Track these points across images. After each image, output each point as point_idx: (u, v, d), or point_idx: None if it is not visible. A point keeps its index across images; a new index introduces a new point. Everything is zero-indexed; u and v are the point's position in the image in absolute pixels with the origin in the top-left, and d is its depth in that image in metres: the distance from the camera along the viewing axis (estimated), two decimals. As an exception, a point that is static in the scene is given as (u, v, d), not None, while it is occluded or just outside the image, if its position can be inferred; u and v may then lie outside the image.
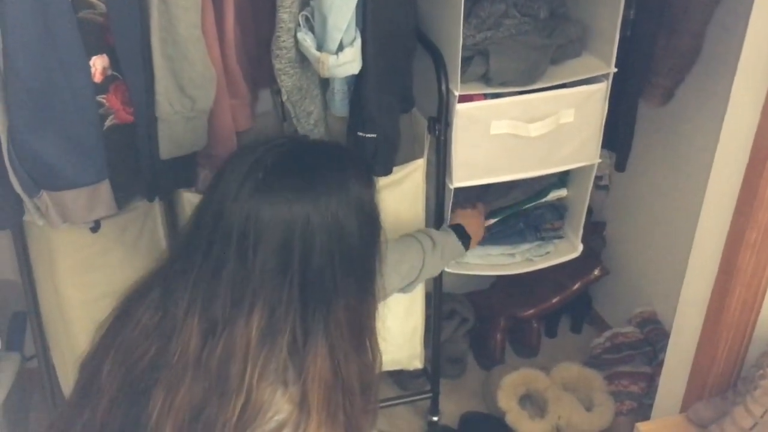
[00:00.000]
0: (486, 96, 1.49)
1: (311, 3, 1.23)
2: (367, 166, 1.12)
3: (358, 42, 1.24)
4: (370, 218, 0.97)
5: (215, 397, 0.88)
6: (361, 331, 0.96)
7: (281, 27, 1.25)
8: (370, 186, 1.00)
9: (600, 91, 1.51)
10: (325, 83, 1.38)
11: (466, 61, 1.45)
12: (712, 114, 1.29)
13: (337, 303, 0.91)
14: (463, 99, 1.45)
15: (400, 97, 1.41)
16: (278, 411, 0.87)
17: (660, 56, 1.41)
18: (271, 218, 0.88)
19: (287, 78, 1.30)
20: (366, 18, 1.25)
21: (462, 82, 1.44)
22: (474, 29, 1.48)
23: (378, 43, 1.26)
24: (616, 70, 1.48)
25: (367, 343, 0.98)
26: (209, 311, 0.89)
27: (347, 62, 1.23)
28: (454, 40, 1.39)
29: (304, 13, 1.24)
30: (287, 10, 1.24)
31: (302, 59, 1.30)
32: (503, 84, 1.46)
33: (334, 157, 0.99)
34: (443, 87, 1.44)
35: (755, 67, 1.14)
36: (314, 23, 1.24)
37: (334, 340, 0.91)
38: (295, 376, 0.89)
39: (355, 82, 1.33)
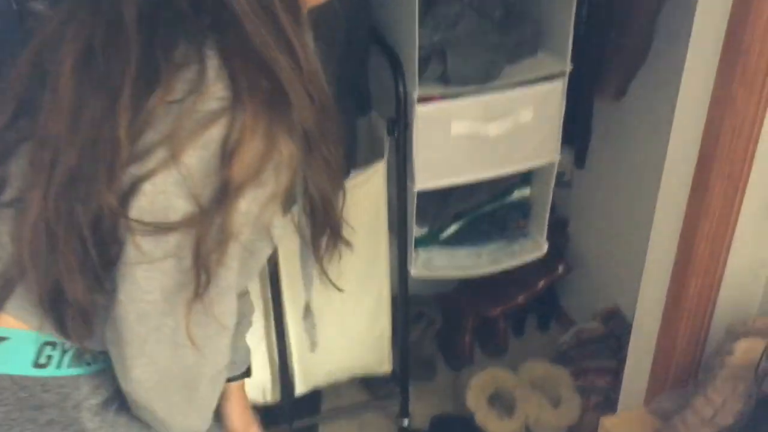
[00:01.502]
0: (445, 97, 1.50)
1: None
2: None
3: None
4: None
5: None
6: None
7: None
8: None
9: (557, 89, 1.53)
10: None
11: (424, 61, 1.45)
12: (664, 109, 1.31)
13: None
14: (422, 100, 1.46)
15: (356, 100, 1.41)
16: (209, 96, 0.72)
17: (611, 54, 1.43)
18: None
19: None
20: (318, 23, 1.24)
21: (420, 83, 1.44)
22: (430, 30, 1.48)
23: (329, 48, 1.26)
24: (571, 68, 1.50)
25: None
26: None
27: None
28: (411, 41, 1.39)
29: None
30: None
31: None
32: (461, 83, 1.47)
33: None
34: (401, 88, 1.45)
35: (702, 64, 1.16)
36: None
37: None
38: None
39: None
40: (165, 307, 0.75)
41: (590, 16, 1.44)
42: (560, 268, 2.00)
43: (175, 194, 0.71)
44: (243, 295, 1.07)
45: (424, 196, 1.58)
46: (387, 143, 1.53)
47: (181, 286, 0.74)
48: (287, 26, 0.74)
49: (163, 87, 0.70)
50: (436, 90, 1.48)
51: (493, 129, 1.51)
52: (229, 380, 1.08)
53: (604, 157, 1.82)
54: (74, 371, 0.83)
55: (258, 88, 0.71)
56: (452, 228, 1.75)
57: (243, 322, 1.09)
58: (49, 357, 0.82)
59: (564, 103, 1.54)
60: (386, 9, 1.48)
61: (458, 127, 1.50)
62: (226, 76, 0.71)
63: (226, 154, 0.70)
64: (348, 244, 0.90)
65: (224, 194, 0.71)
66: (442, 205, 1.73)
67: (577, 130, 1.58)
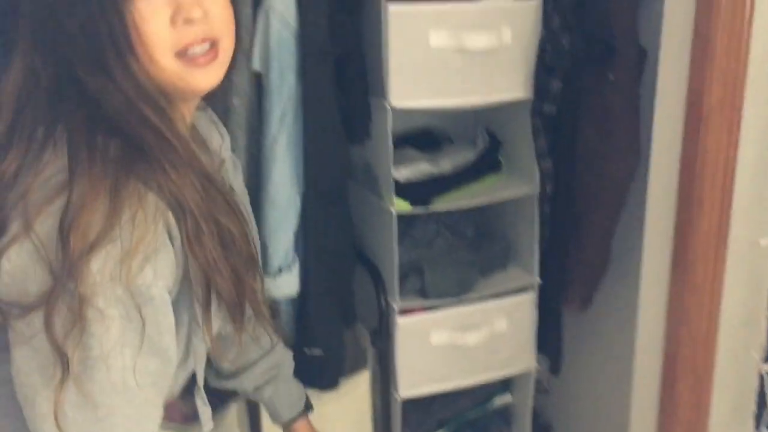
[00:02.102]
0: (424, 309, 1.60)
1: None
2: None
3: (297, 266, 1.36)
4: None
5: None
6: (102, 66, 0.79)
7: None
8: None
9: (528, 300, 1.64)
10: (271, 306, 1.46)
11: (404, 277, 1.57)
12: (628, 314, 1.43)
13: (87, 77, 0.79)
14: (403, 312, 1.56)
15: (343, 313, 1.50)
16: (57, 169, 0.76)
17: (573, 268, 1.57)
18: None
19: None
20: (306, 243, 1.37)
21: (400, 296, 1.55)
22: (409, 248, 1.63)
23: (317, 266, 1.38)
24: (540, 280, 1.63)
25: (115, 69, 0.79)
26: None
27: (284, 286, 1.33)
28: (391, 258, 1.52)
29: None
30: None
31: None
32: (438, 296, 1.58)
33: None
34: (383, 301, 1.55)
35: (655, 277, 1.29)
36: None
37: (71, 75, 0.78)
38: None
39: (299, 302, 1.42)
40: (43, 391, 0.74)
41: (552, 235, 1.59)
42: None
43: (32, 265, 0.73)
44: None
45: (407, 404, 1.62)
46: (371, 353, 1.60)
47: (55, 365, 0.73)
48: (149, 102, 0.79)
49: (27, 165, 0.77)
50: (415, 302, 1.58)
51: (471, 338, 1.60)
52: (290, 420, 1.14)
53: (577, 363, 1.89)
54: None
55: (100, 155, 0.76)
56: (437, 435, 1.77)
57: (281, 369, 1.15)
58: None
59: (535, 313, 1.65)
60: (368, 229, 1.62)
61: (438, 337, 1.59)
62: (65, 152, 0.76)
63: (69, 218, 0.73)
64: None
65: (74, 256, 0.72)
66: (426, 412, 1.76)
67: (549, 339, 1.67)
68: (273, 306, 1.44)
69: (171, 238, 0.79)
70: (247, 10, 1.28)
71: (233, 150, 1.31)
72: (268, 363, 1.21)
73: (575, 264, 1.54)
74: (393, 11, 1.35)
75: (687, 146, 1.33)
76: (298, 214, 1.35)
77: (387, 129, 1.42)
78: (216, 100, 1.36)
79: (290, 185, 1.32)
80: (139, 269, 0.75)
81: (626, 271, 1.55)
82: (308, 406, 1.22)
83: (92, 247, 0.72)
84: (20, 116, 0.79)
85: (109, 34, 0.77)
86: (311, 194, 1.35)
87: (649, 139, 1.41)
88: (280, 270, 1.35)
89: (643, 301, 1.38)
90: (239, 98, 1.30)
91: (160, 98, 0.81)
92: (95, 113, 0.78)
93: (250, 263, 0.89)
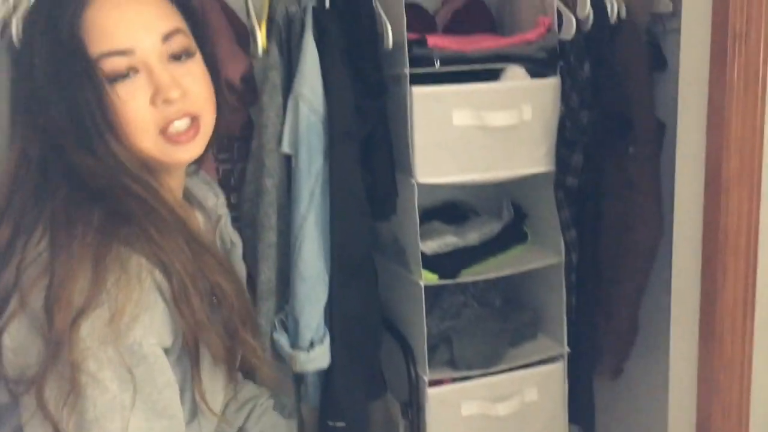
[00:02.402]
0: (454, 380, 1.61)
1: (285, 307, 1.40)
2: None
3: (328, 339, 1.39)
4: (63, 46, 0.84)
5: None
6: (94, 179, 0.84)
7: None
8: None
9: (558, 370, 1.64)
10: (298, 377, 1.50)
11: (433, 348, 1.59)
12: (658, 385, 1.42)
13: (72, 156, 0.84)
14: (433, 383, 1.57)
15: (369, 385, 1.52)
16: (47, 244, 0.80)
17: (603, 338, 1.57)
18: None
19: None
20: (332, 317, 1.41)
21: (430, 367, 1.56)
22: (437, 319, 1.65)
23: (345, 338, 1.41)
24: (569, 350, 1.63)
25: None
26: None
27: (317, 359, 1.37)
28: (420, 330, 1.54)
29: (279, 316, 1.41)
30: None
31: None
32: (468, 367, 1.59)
33: None
34: (413, 373, 1.57)
35: (685, 349, 1.29)
36: (288, 324, 1.40)
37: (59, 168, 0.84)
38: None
39: (325, 374, 1.45)
40: None
41: (580, 304, 1.61)
42: None
43: (30, 339, 0.76)
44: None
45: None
46: (401, 426, 1.61)
47: None
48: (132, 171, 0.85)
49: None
50: (445, 373, 1.60)
51: (502, 409, 1.60)
52: None
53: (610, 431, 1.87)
54: None
55: (82, 226, 0.79)
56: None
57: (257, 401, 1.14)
58: None
59: (566, 382, 1.65)
60: (397, 300, 1.65)
61: (468, 408, 1.59)
62: (48, 233, 0.81)
63: (54, 290, 0.76)
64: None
65: (61, 326, 0.74)
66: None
67: (581, 408, 1.66)
68: (299, 377, 1.47)
69: (162, 293, 0.81)
70: (277, 98, 1.36)
71: (264, 227, 1.37)
72: (243, 396, 1.18)
73: (604, 334, 1.55)
74: (417, 93, 1.42)
75: (709, 215, 1.35)
76: (327, 288, 1.39)
77: (413, 204, 1.47)
78: (250, 180, 1.44)
79: (319, 261, 1.37)
80: (128, 329, 0.77)
81: (655, 341, 1.55)
82: None
83: (79, 314, 0.75)
84: (14, 197, 0.84)
85: (91, 115, 0.83)
86: (337, 269, 1.39)
87: (671, 209, 1.43)
88: (312, 343, 1.39)
89: (674, 372, 1.38)
90: (271, 179, 1.37)
91: (143, 171, 0.86)
92: (79, 188, 0.83)
93: (245, 317, 0.91)
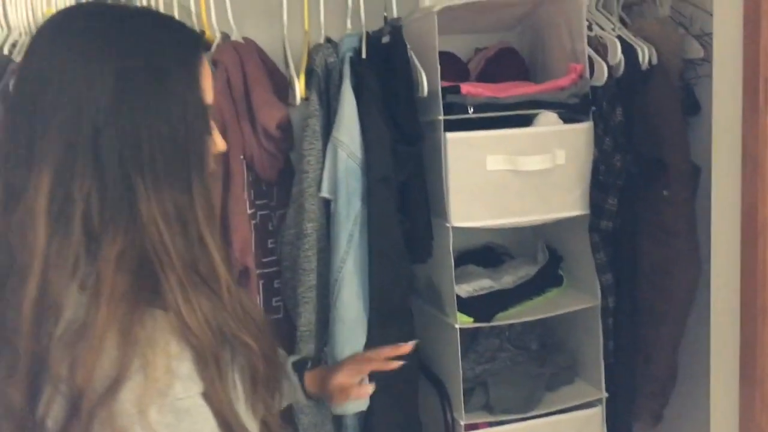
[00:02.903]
0: (491, 424, 1.60)
1: (325, 350, 1.42)
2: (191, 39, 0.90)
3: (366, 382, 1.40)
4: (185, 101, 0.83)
5: (15, 273, 0.78)
6: (182, 228, 0.81)
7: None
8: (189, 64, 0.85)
9: (596, 415, 1.63)
10: (338, 420, 1.51)
11: (469, 391, 1.59)
12: (700, 429, 1.40)
13: (139, 182, 0.79)
14: (469, 427, 1.56)
15: (406, 428, 1.52)
16: (77, 313, 0.76)
17: (642, 382, 1.56)
18: (50, 67, 0.80)
19: (304, 417, 1.43)
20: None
21: (466, 411, 1.56)
22: (473, 363, 1.65)
23: (383, 381, 1.41)
24: (607, 395, 1.61)
25: (193, 242, 0.82)
26: (7, 176, 0.80)
27: (356, 402, 1.37)
28: (455, 373, 1.54)
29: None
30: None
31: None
32: (504, 412, 1.59)
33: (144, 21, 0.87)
34: (449, 417, 1.56)
35: (724, 393, 1.28)
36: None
37: (139, 228, 0.79)
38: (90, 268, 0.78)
39: (364, 416, 1.45)
40: None
41: (617, 348, 1.60)
42: None
43: (70, 417, 0.75)
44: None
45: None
46: (438, 470, 1.60)
47: None
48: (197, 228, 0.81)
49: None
50: (481, 417, 1.59)
51: (540, 455, 1.59)
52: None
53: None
54: None
55: (115, 293, 0.76)
56: None
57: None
58: None
59: (605, 428, 1.63)
60: (433, 343, 1.66)
61: (506, 453, 1.58)
62: (87, 298, 0.77)
63: (87, 365, 0.74)
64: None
65: (98, 401, 0.74)
66: None
67: (620, 455, 1.63)
68: (339, 419, 1.47)
69: (191, 346, 0.80)
70: (317, 144, 1.40)
71: (304, 271, 1.40)
72: None
73: (643, 378, 1.53)
74: (452, 139, 1.45)
75: (746, 258, 1.35)
76: (366, 330, 1.41)
77: (448, 247, 1.49)
78: (291, 224, 1.47)
79: (358, 303, 1.40)
80: (167, 386, 0.77)
81: (695, 385, 1.53)
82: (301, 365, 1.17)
83: (116, 384, 0.74)
84: (52, 241, 0.78)
85: (201, 155, 0.83)
86: (376, 311, 1.41)
87: (708, 252, 1.43)
88: (351, 386, 1.40)
89: (714, 417, 1.36)
90: (311, 223, 1.40)
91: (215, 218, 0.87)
92: (133, 244, 0.79)
93: (271, 382, 0.90)
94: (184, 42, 0.86)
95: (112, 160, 0.79)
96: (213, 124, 0.90)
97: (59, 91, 0.79)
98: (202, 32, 0.90)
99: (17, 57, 1.32)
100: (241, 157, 1.43)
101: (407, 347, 1.13)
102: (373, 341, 1.42)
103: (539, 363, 1.68)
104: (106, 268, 0.77)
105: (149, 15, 0.90)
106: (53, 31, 0.84)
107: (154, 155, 0.80)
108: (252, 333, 0.86)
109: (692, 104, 1.59)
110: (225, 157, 1.39)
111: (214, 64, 1.39)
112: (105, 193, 0.79)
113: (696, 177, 1.55)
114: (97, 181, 0.79)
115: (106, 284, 0.77)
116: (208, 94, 0.87)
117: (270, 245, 1.53)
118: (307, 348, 1.41)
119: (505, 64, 1.71)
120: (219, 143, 0.91)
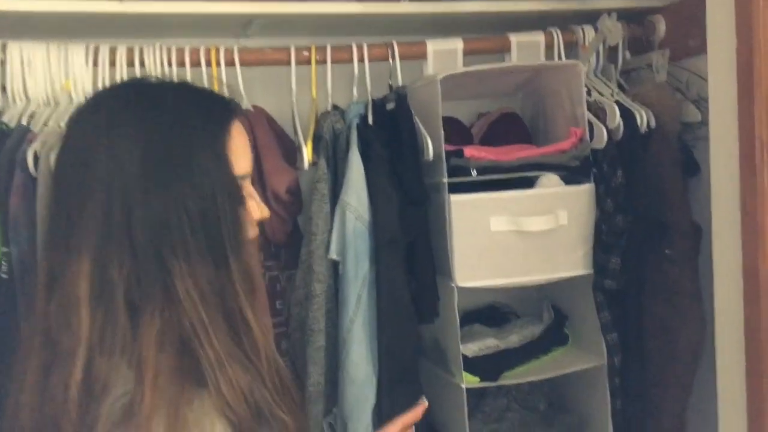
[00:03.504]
0: (499, 486, 1.59)
1: (334, 410, 1.42)
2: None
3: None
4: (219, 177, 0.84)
5: (59, 357, 0.78)
6: (220, 304, 0.82)
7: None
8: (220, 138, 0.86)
9: (605, 476, 1.61)
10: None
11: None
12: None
13: (172, 260, 0.79)
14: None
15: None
16: (124, 390, 0.76)
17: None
18: (82, 149, 0.82)
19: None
20: (382, 420, 1.42)
21: (475, 473, 1.55)
22: (480, 423, 1.65)
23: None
24: (616, 455, 1.60)
25: (233, 316, 0.82)
26: (48, 260, 0.82)
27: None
28: (462, 433, 1.54)
29: (328, 419, 1.43)
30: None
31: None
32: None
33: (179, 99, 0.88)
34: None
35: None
36: (336, 428, 1.42)
37: (176, 305, 0.79)
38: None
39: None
40: None
41: (625, 407, 1.59)
42: None
43: None
44: None
45: None
46: None
47: None
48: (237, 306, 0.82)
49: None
50: (490, 480, 1.58)
51: None
52: None
53: None
54: None
55: (159, 377, 0.76)
56: None
57: None
58: None
59: (615, 490, 1.61)
60: (440, 404, 1.65)
61: None
62: (134, 375, 0.77)
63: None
64: None
65: None
66: None
67: None
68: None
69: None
70: (325, 207, 1.44)
71: (313, 331, 1.42)
72: None
73: (650, 438, 1.53)
74: (456, 201, 1.49)
75: (749, 317, 1.36)
76: (376, 390, 1.42)
77: (453, 307, 1.51)
78: (300, 285, 1.49)
79: (367, 363, 1.41)
80: None
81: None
82: None
83: None
84: (95, 324, 0.79)
85: (235, 230, 0.83)
86: (385, 371, 1.42)
87: (712, 310, 1.44)
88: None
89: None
90: (320, 284, 1.43)
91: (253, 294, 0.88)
92: (171, 324, 0.79)
93: None
94: (212, 117, 0.86)
95: (143, 239, 0.79)
96: (252, 191, 0.90)
97: (91, 175, 0.81)
98: (232, 99, 0.91)
99: (35, 127, 1.37)
100: (251, 219, 1.46)
101: (423, 407, 1.12)
102: (383, 401, 1.42)
103: (547, 423, 1.68)
104: (148, 348, 0.77)
105: (180, 90, 0.91)
106: (84, 114, 0.86)
107: (184, 233, 0.80)
108: (289, 408, 0.86)
109: (692, 165, 1.63)
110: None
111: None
112: (141, 273, 0.79)
113: (698, 236, 1.57)
114: (133, 261, 0.79)
115: (148, 365, 0.76)
116: (242, 162, 0.87)
117: (278, 306, 1.55)
118: (316, 408, 1.42)
119: (508, 128, 1.76)
120: (257, 210, 0.92)
